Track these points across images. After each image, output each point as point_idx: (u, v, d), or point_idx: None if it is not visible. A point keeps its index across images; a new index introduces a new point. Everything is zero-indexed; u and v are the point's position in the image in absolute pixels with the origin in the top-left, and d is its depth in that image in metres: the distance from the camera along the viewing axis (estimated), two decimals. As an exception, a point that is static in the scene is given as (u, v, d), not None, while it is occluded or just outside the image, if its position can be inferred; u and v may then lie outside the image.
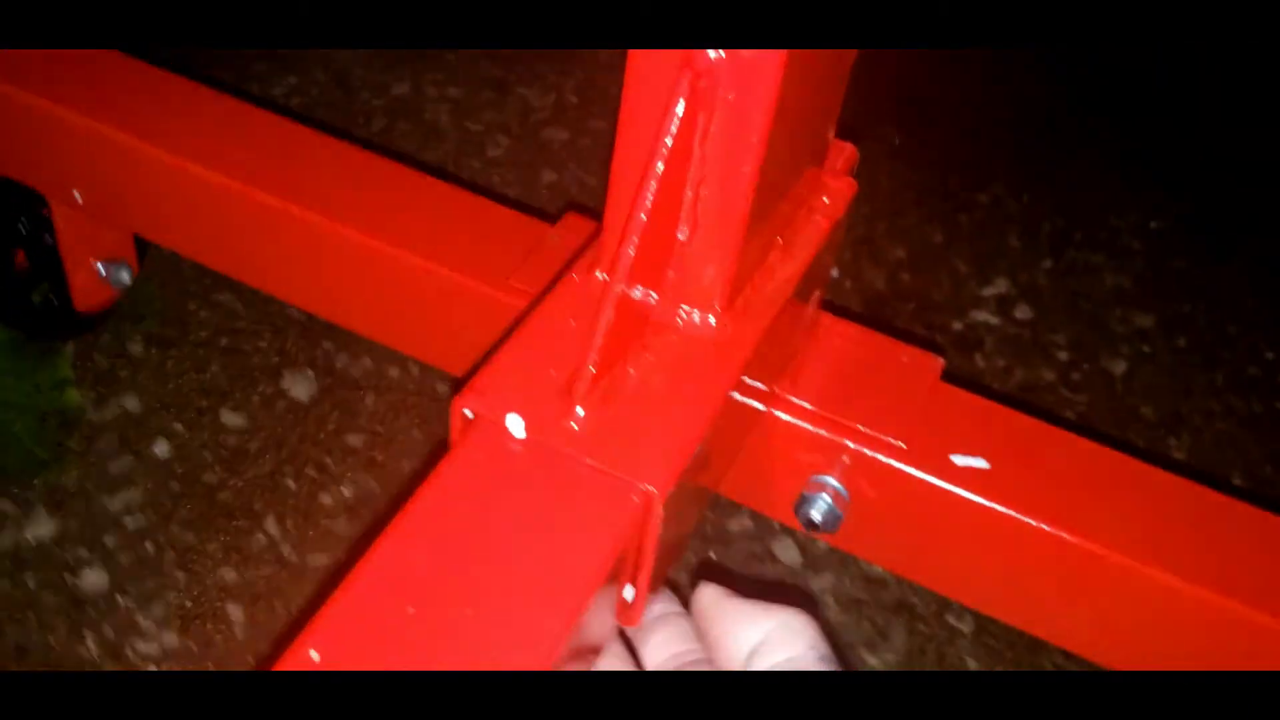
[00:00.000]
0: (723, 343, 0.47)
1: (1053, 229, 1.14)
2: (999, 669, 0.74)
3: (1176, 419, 0.95)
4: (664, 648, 0.48)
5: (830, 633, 0.45)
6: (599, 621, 0.42)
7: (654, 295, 0.46)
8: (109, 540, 0.74)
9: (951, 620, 0.76)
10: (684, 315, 0.47)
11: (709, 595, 0.45)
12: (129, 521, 0.75)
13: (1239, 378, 1.00)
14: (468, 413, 0.43)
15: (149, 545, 0.74)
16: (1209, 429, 0.94)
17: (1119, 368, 0.99)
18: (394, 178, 0.69)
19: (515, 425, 0.42)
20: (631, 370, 0.45)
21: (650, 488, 0.41)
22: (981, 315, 1.02)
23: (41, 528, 0.74)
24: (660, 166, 0.40)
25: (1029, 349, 0.99)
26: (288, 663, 0.34)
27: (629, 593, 0.44)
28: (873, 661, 0.73)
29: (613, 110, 0.43)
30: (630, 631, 0.50)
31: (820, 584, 0.77)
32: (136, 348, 0.87)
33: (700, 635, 0.45)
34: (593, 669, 0.45)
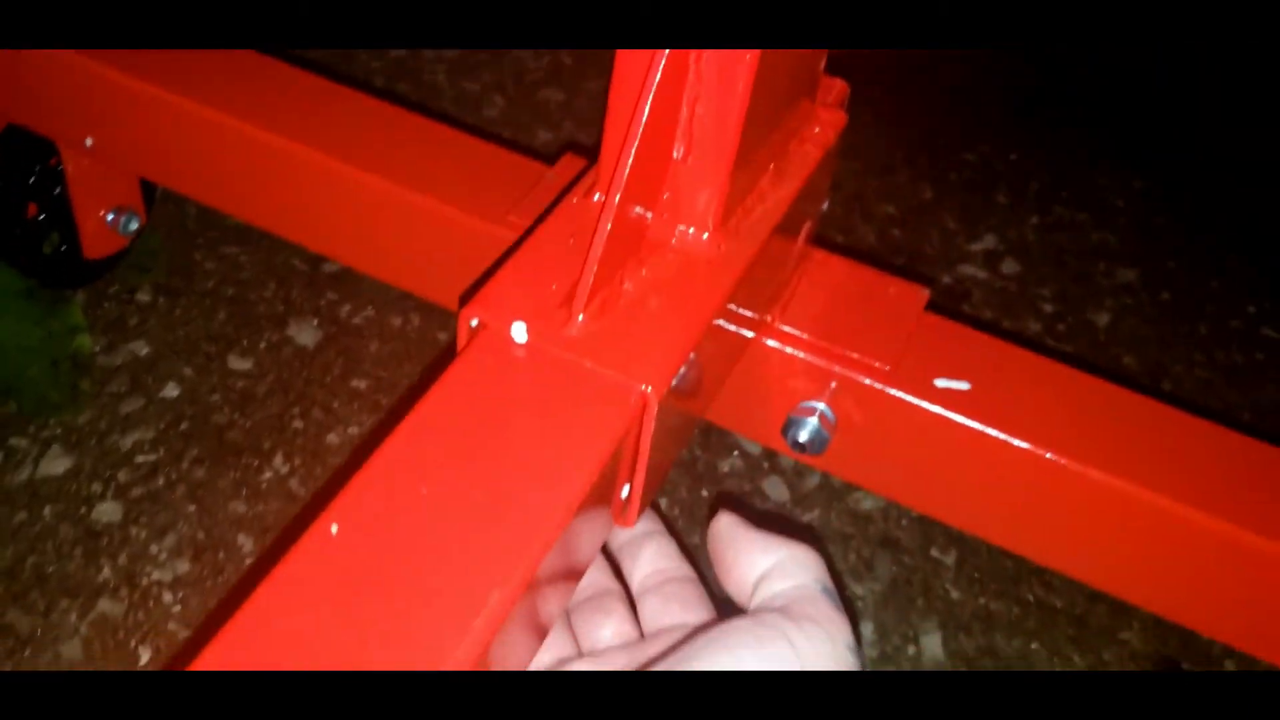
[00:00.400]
0: (716, 260, 0.49)
1: (1040, 187, 1.16)
2: (981, 600, 0.77)
3: (1159, 368, 0.98)
4: (649, 563, 0.50)
5: (833, 570, 0.48)
6: (597, 515, 0.44)
7: (650, 214, 0.48)
8: (122, 476, 0.76)
9: (935, 554, 0.79)
10: (679, 234, 0.49)
11: (726, 521, 0.47)
12: (141, 459, 0.78)
13: (1221, 329, 1.02)
14: (474, 322, 0.45)
15: (161, 480, 0.76)
16: (1190, 377, 0.97)
17: (1103, 319, 1.01)
18: (396, 119, 0.71)
19: (519, 331, 0.44)
20: (628, 284, 0.47)
21: (646, 387, 0.43)
22: (969, 269, 1.04)
23: (57, 464, 0.76)
24: (656, 82, 0.43)
25: (1015, 301, 1.02)
26: (312, 537, 0.37)
27: (625, 491, 0.46)
28: (858, 590, 0.76)
29: (608, 72, 0.45)
30: (616, 549, 0.52)
31: (808, 519, 0.80)
32: (145, 297, 0.89)
33: (714, 556, 0.47)
34: (581, 577, 0.48)
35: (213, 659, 0.33)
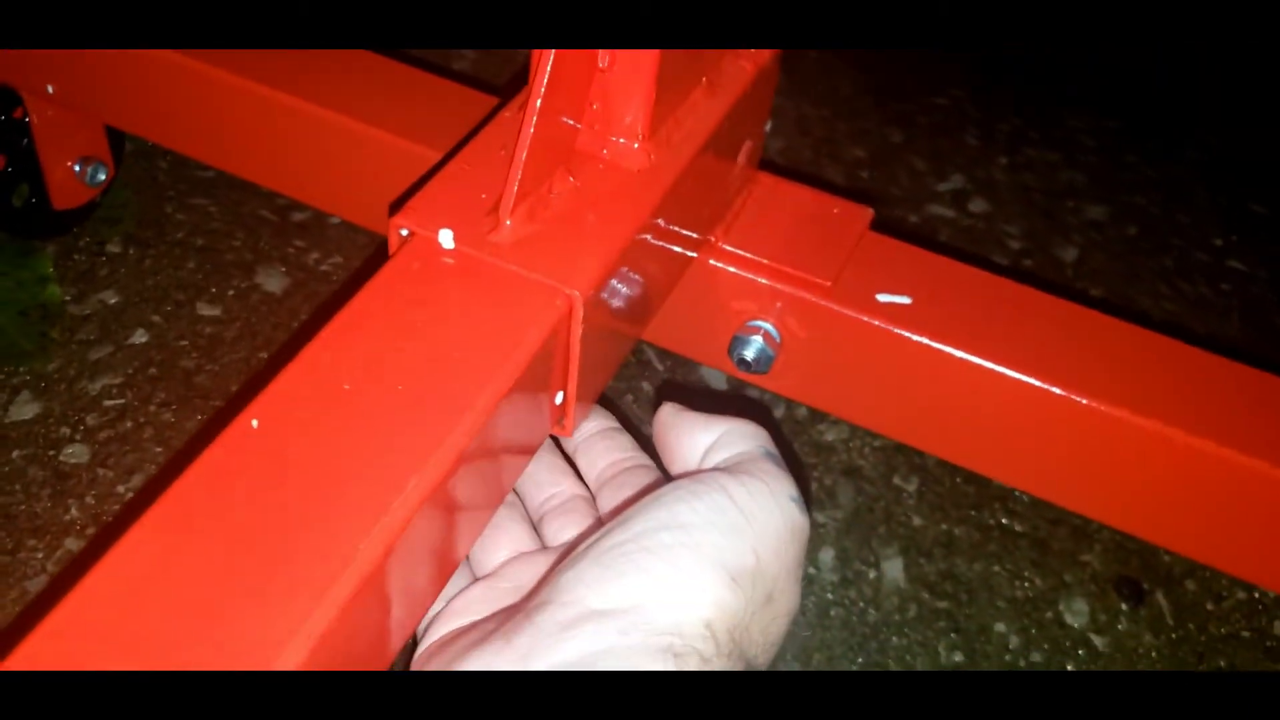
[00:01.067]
0: (645, 171, 0.50)
1: (1010, 129, 1.16)
2: (943, 526, 0.78)
3: (1125, 300, 0.98)
4: (604, 456, 0.51)
5: (780, 442, 0.48)
6: (529, 418, 0.45)
7: (578, 125, 0.49)
8: (90, 419, 0.77)
9: (898, 481, 0.80)
10: (609, 146, 0.50)
11: (668, 409, 0.47)
12: (109, 403, 0.79)
13: (1187, 262, 1.03)
14: (403, 232, 0.46)
15: (129, 423, 0.77)
16: (1156, 309, 0.98)
17: (1070, 255, 1.02)
18: (354, 59, 0.71)
19: (445, 238, 0.45)
20: (557, 192, 0.48)
21: (572, 291, 0.44)
22: (937, 209, 1.05)
23: (26, 409, 0.77)
24: (572, -14, 0.43)
25: (983, 239, 1.02)
26: (232, 432, 0.38)
27: (559, 397, 0.47)
28: (820, 518, 0.77)
29: None
30: (569, 446, 0.53)
31: (772, 449, 0.81)
32: (115, 248, 0.90)
33: (659, 445, 0.47)
34: (525, 470, 0.48)
35: (129, 548, 0.34)
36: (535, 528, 0.51)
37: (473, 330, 0.42)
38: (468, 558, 0.49)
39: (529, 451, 0.47)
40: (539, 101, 0.44)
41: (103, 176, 0.87)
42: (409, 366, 0.40)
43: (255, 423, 0.38)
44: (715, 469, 0.42)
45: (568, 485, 0.51)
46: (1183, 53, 1.28)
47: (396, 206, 0.46)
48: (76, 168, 0.86)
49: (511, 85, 0.66)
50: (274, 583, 0.33)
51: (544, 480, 0.51)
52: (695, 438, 0.45)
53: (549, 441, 0.52)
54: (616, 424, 0.53)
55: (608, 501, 0.49)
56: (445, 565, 0.41)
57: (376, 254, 0.91)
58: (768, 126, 0.62)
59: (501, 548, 0.49)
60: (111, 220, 0.92)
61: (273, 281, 0.89)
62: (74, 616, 0.32)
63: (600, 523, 0.49)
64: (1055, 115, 1.18)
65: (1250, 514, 0.56)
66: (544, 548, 0.50)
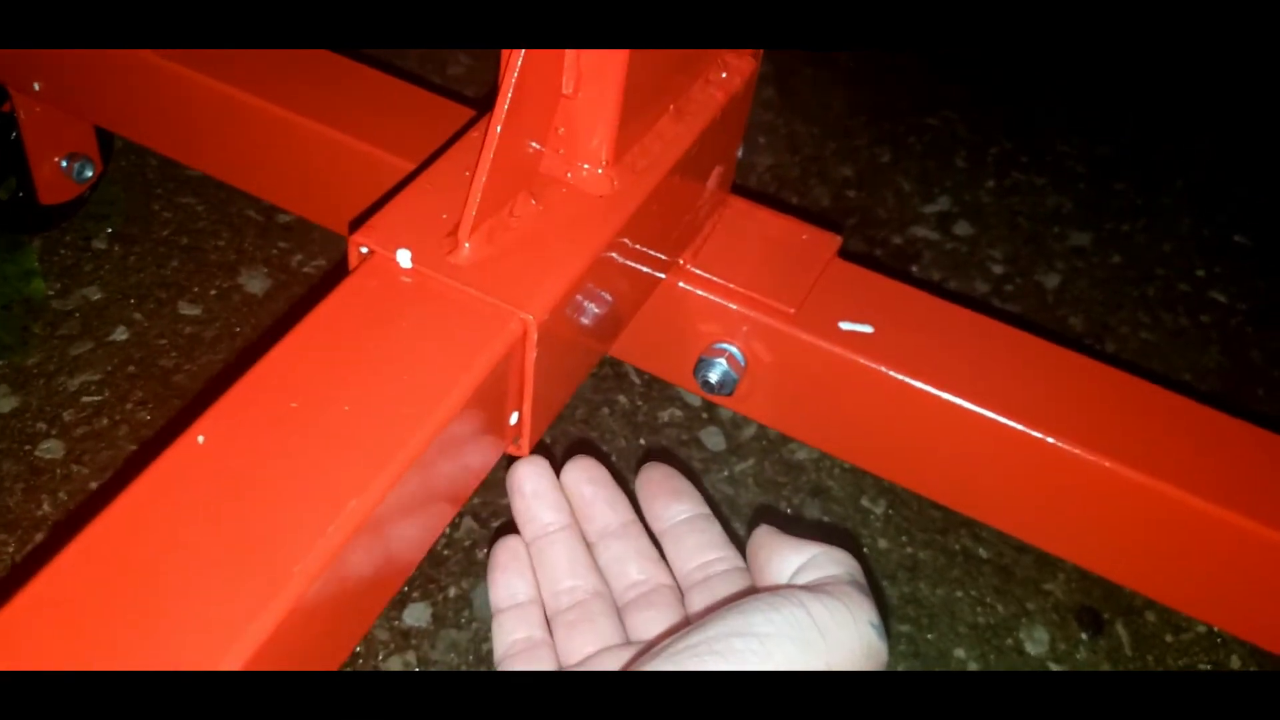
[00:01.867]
0: (609, 197, 0.50)
1: (999, 152, 1.17)
2: (909, 550, 0.78)
3: (1104, 329, 0.98)
4: (695, 554, 0.49)
5: (868, 573, 0.47)
6: (480, 440, 0.46)
7: (541, 148, 0.50)
8: (67, 415, 0.78)
9: (865, 503, 0.80)
10: (573, 169, 0.50)
11: (763, 531, 0.46)
12: (87, 399, 0.79)
13: (1169, 293, 1.03)
14: (363, 249, 0.46)
15: (105, 420, 0.78)
16: (1135, 338, 0.98)
17: (1052, 281, 1.02)
18: (341, 69, 0.72)
19: (403, 257, 0.45)
20: (518, 216, 0.48)
21: (527, 315, 0.44)
22: (922, 231, 1.05)
23: (4, 403, 0.78)
24: (535, 16, 0.44)
25: (965, 263, 1.02)
26: (178, 447, 0.38)
27: (514, 418, 0.47)
28: (786, 536, 0.77)
29: None
30: (660, 534, 0.51)
31: (742, 468, 0.81)
32: (100, 244, 0.91)
33: (751, 563, 0.46)
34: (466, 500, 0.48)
35: (68, 560, 0.34)
36: (620, 614, 0.50)
37: (425, 352, 0.43)
38: (553, 644, 0.49)
39: (482, 470, 0.48)
40: (500, 126, 0.44)
41: (90, 173, 0.88)
42: (358, 386, 0.41)
43: (201, 438, 0.39)
44: (800, 586, 0.42)
45: (654, 574, 0.50)
46: (1175, 83, 1.29)
47: (357, 223, 0.47)
48: (64, 164, 0.87)
49: (489, 99, 0.67)
50: (207, 603, 0.33)
51: (631, 567, 0.50)
52: (786, 558, 0.44)
53: (636, 523, 0.50)
54: (706, 510, 0.51)
55: (697, 602, 0.48)
56: (390, 579, 0.42)
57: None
58: (740, 152, 0.63)
59: (589, 641, 0.48)
60: (98, 216, 0.93)
61: (255, 283, 0.89)
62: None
63: (687, 621, 0.48)
64: (1046, 140, 1.19)
65: (1203, 556, 0.57)
66: (628, 642, 0.48)
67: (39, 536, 0.71)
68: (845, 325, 0.59)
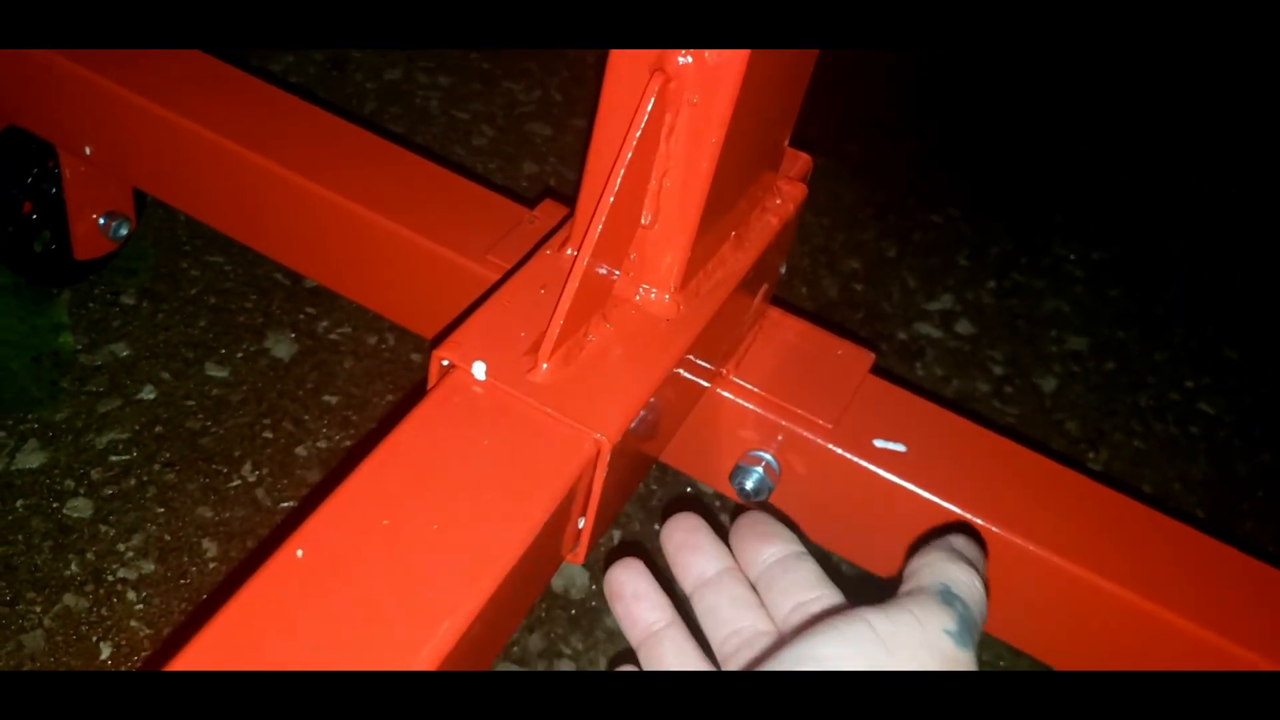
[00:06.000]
0: (675, 320, 0.53)
1: (1000, 252, 1.21)
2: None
3: (1098, 434, 1.02)
4: (789, 595, 0.47)
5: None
6: (549, 552, 0.48)
7: (617, 273, 0.52)
8: (95, 474, 0.79)
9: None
10: (642, 293, 0.53)
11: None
12: (114, 458, 0.80)
13: (1160, 402, 1.07)
14: (445, 362, 0.48)
15: (132, 480, 0.79)
16: (1127, 446, 1.02)
17: (1049, 385, 1.06)
18: (385, 153, 0.74)
19: (483, 374, 0.47)
20: (592, 337, 0.51)
21: (600, 436, 0.47)
22: (925, 328, 1.08)
23: (32, 458, 0.79)
24: (629, 156, 0.46)
25: (967, 362, 1.06)
26: (278, 559, 0.40)
27: (581, 522, 0.50)
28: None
29: (595, 109, 0.49)
30: (751, 573, 0.50)
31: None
32: (129, 299, 0.92)
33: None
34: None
35: (185, 663, 0.36)
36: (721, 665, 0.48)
37: (507, 473, 0.45)
38: None
39: (545, 581, 0.50)
40: (587, 260, 0.47)
41: (125, 231, 0.90)
42: (445, 507, 0.43)
43: (300, 553, 0.40)
44: (871, 605, 0.40)
45: (750, 621, 0.48)
46: (1171, 194, 1.34)
47: (439, 339, 0.49)
48: (101, 221, 0.89)
49: (536, 197, 0.70)
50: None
51: (726, 616, 0.48)
52: (908, 565, 0.43)
53: (732, 571, 0.49)
54: (799, 548, 0.49)
55: None
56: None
57: (389, 331, 0.94)
58: (783, 269, 0.65)
59: None
60: (128, 271, 0.94)
61: (281, 347, 0.91)
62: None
63: None
64: (1044, 242, 1.23)
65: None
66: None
67: (67, 597, 0.72)
68: (880, 443, 0.62)
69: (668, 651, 0.48)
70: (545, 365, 0.48)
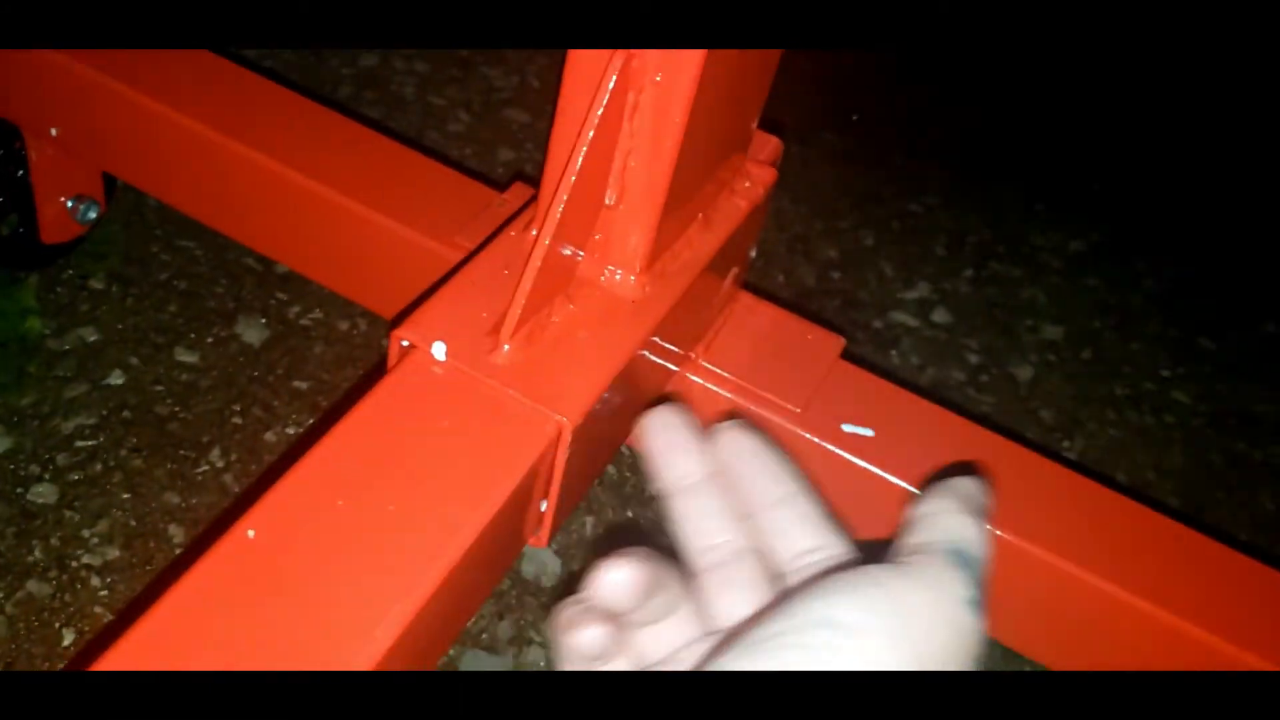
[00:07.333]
0: (639, 301, 0.52)
1: (978, 241, 1.20)
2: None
3: (1073, 423, 1.02)
4: (794, 541, 0.45)
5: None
6: (510, 535, 0.47)
7: (581, 254, 0.52)
8: (61, 459, 0.78)
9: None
10: (607, 274, 0.52)
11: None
12: (81, 444, 0.80)
13: (1136, 391, 1.07)
14: (404, 343, 0.48)
15: (99, 466, 0.78)
16: (1102, 434, 1.02)
17: (1025, 374, 1.06)
18: (356, 136, 0.73)
19: (442, 355, 0.47)
20: (555, 318, 0.50)
21: (562, 418, 0.46)
22: (901, 316, 1.08)
23: (-3, 443, 0.78)
24: (591, 135, 0.46)
25: (943, 350, 1.06)
26: (228, 542, 0.40)
27: (543, 505, 0.49)
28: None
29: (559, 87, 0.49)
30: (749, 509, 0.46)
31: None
32: (98, 284, 0.91)
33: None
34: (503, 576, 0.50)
35: (119, 659, 0.35)
36: (700, 583, 0.45)
37: (466, 454, 0.44)
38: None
39: (507, 564, 0.49)
40: (548, 239, 0.46)
41: (94, 215, 0.89)
42: (402, 488, 0.42)
43: (251, 533, 0.40)
44: (885, 564, 0.38)
45: (730, 537, 0.45)
46: (1149, 186, 1.34)
47: (400, 319, 0.48)
48: (70, 204, 0.88)
49: (509, 182, 0.69)
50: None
51: (707, 528, 0.46)
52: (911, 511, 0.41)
53: (716, 478, 0.47)
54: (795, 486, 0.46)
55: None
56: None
57: (361, 317, 0.93)
58: (753, 252, 0.65)
59: (738, 602, 0.44)
60: (97, 255, 0.93)
61: (252, 332, 0.90)
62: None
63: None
64: (1022, 232, 1.23)
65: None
66: (709, 633, 0.44)
67: (30, 584, 0.71)
68: (848, 428, 0.61)
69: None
70: (507, 346, 0.47)
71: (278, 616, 0.38)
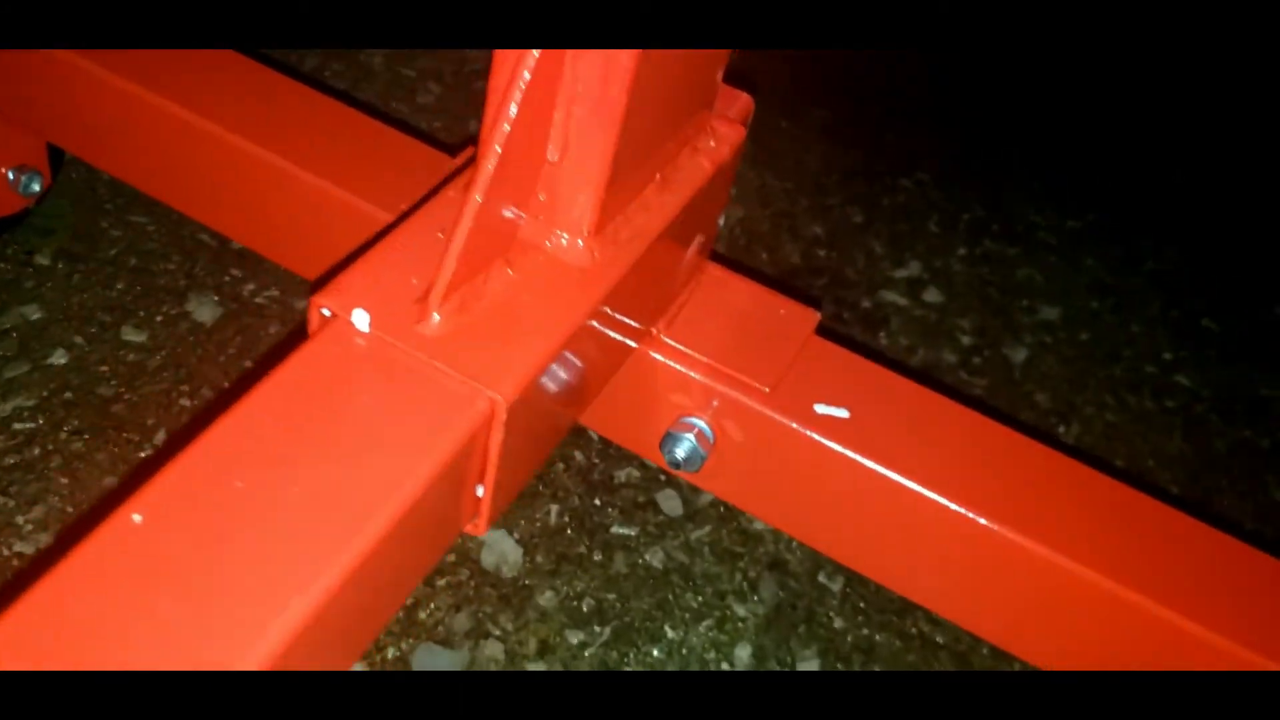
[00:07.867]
0: (588, 269, 0.48)
1: (972, 219, 1.16)
2: (865, 631, 0.76)
3: (1070, 408, 0.97)
4: None
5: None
6: (439, 522, 0.43)
7: (523, 215, 0.47)
8: (-5, 442, 0.74)
9: (823, 579, 0.78)
10: (553, 238, 0.48)
11: None
12: (18, 426, 0.75)
13: (1135, 374, 1.03)
14: (325, 311, 0.43)
15: (36, 450, 0.74)
16: (1099, 419, 0.97)
17: (1020, 355, 1.01)
18: (310, 103, 0.69)
19: (364, 324, 0.43)
20: (492, 285, 0.46)
21: (495, 395, 0.42)
22: (891, 296, 1.04)
23: (-72, 426, 0.74)
24: (528, 77, 0.41)
25: (934, 331, 1.01)
26: (108, 527, 0.35)
27: (480, 490, 0.45)
28: (740, 611, 0.75)
29: None
30: None
31: (698, 535, 0.79)
32: (44, 260, 0.87)
33: None
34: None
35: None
36: None
37: (386, 432, 0.40)
38: None
39: (439, 552, 0.45)
40: (479, 195, 0.42)
41: (37, 187, 0.84)
42: (310, 470, 0.38)
43: (137, 517, 0.35)
44: None
45: None
46: (1152, 164, 1.29)
47: (319, 284, 0.44)
48: (10, 175, 0.83)
49: (463, 146, 0.65)
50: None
51: None
52: None
53: None
54: None
55: None
56: (335, 665, 0.39)
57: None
58: (721, 220, 0.60)
59: None
60: (44, 230, 0.89)
61: (204, 311, 0.86)
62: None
63: None
64: (1019, 210, 1.18)
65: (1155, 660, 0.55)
66: None
67: (-44, 573, 0.67)
68: (821, 408, 0.57)
69: None
70: (436, 316, 0.43)
71: (158, 611, 0.33)
